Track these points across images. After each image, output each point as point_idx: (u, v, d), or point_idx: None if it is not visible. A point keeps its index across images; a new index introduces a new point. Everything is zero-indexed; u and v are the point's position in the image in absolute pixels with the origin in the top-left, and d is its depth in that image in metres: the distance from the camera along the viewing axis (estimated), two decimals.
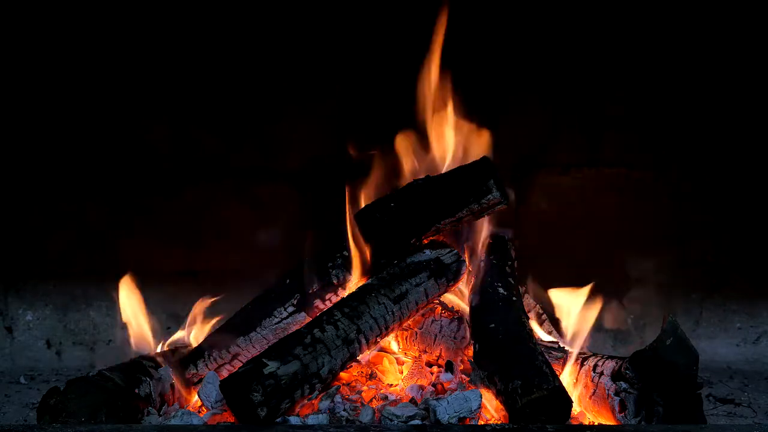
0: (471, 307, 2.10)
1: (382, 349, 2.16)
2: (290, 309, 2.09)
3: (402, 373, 2.11)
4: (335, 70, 2.82)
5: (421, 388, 1.99)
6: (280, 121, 2.86)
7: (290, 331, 1.97)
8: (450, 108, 2.30)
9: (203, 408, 1.96)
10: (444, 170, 2.24)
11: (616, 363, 1.86)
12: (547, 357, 1.85)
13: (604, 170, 2.92)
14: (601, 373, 1.89)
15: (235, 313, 2.17)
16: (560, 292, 2.22)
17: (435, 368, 2.12)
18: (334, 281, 2.10)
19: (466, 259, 2.20)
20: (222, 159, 2.89)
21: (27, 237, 2.87)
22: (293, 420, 1.77)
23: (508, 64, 2.81)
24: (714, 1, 2.77)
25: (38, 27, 2.77)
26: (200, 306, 2.27)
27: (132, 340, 2.16)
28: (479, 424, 1.77)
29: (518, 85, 2.83)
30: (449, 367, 2.08)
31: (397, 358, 2.14)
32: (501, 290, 2.09)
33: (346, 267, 2.10)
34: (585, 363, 1.97)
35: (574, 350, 2.04)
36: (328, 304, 2.07)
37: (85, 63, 2.80)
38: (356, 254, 2.10)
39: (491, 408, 1.84)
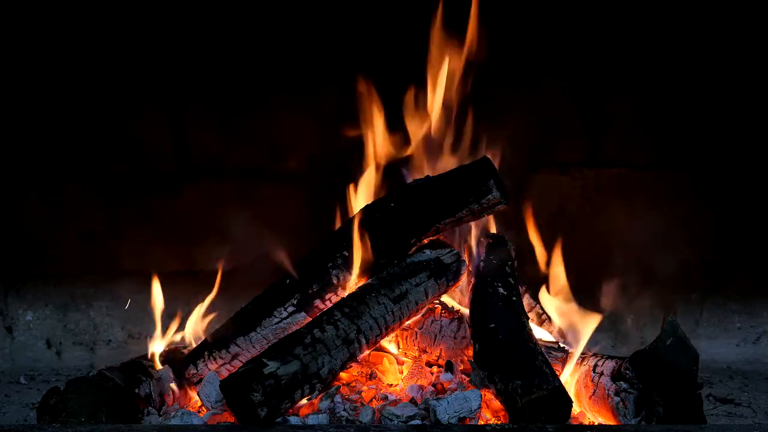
0: (471, 307, 2.10)
1: (382, 349, 2.16)
2: (290, 309, 2.09)
3: (402, 373, 2.11)
4: (335, 69, 2.82)
5: (421, 388, 1.99)
6: (280, 120, 2.86)
7: (290, 331, 1.97)
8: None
9: (203, 408, 1.96)
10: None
11: (616, 363, 1.86)
12: (547, 357, 1.85)
13: (604, 170, 2.93)
14: (601, 373, 1.89)
15: (235, 313, 2.17)
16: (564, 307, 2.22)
17: (435, 368, 2.12)
18: (334, 281, 2.10)
19: (466, 259, 2.20)
20: (222, 159, 2.89)
21: (27, 237, 2.87)
22: (293, 420, 1.77)
23: (508, 63, 2.81)
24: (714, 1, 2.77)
25: (36, 26, 2.77)
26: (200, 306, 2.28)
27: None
28: (479, 424, 1.77)
29: (518, 84, 2.83)
30: (449, 367, 2.08)
31: (397, 358, 2.14)
32: (501, 290, 2.08)
33: (346, 267, 2.10)
34: (585, 363, 1.97)
35: (575, 350, 2.04)
36: (328, 304, 2.07)
37: (86, 63, 2.80)
38: (356, 254, 2.10)
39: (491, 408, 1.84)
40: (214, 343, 2.10)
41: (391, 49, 2.73)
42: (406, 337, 2.18)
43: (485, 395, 1.84)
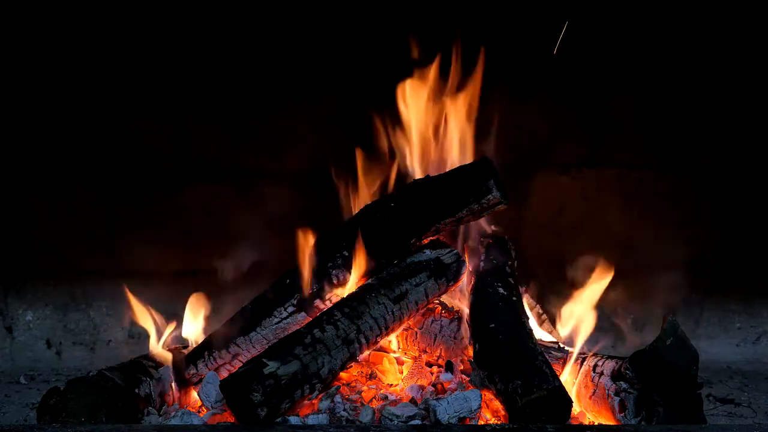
0: (471, 307, 2.10)
1: (382, 349, 2.16)
2: (290, 309, 2.09)
3: (402, 373, 2.11)
4: (335, 69, 2.82)
5: (421, 388, 1.99)
6: (280, 121, 2.86)
7: (290, 331, 1.97)
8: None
9: (203, 408, 1.96)
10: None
11: (616, 363, 1.86)
12: (547, 357, 1.85)
13: (604, 170, 2.93)
14: (601, 373, 1.89)
15: (235, 313, 2.17)
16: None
17: (435, 368, 2.12)
18: (334, 281, 2.10)
19: (466, 259, 2.20)
20: (222, 159, 2.89)
21: (27, 237, 2.87)
22: (293, 420, 1.77)
23: (507, 64, 2.80)
24: (714, 3, 2.77)
25: (41, 30, 2.77)
26: (196, 303, 2.26)
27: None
28: (479, 424, 1.77)
29: (518, 85, 2.83)
30: (449, 367, 2.08)
31: (397, 358, 2.14)
32: (501, 290, 2.09)
33: (346, 267, 2.10)
34: (585, 363, 1.97)
35: (574, 350, 2.04)
36: (328, 304, 2.07)
37: (86, 63, 2.80)
38: (356, 254, 2.10)
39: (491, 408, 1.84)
40: (214, 343, 2.10)
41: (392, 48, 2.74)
42: (406, 337, 2.18)
43: (485, 395, 1.84)
